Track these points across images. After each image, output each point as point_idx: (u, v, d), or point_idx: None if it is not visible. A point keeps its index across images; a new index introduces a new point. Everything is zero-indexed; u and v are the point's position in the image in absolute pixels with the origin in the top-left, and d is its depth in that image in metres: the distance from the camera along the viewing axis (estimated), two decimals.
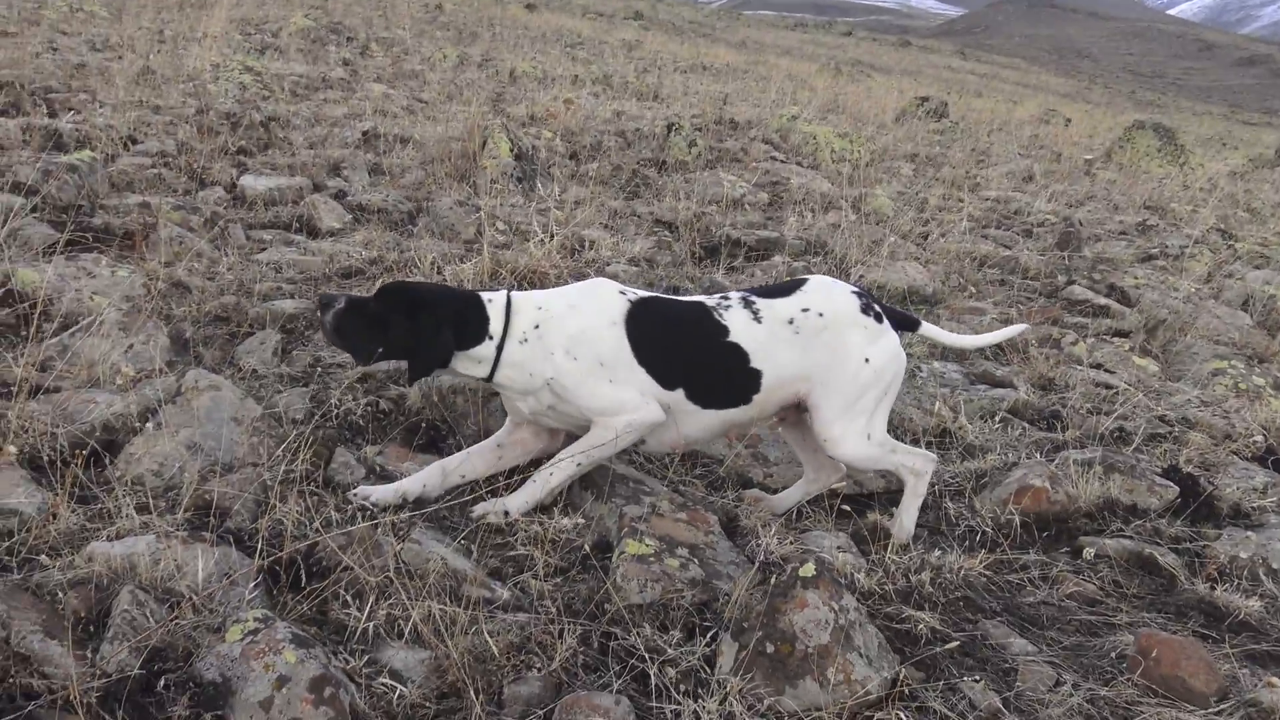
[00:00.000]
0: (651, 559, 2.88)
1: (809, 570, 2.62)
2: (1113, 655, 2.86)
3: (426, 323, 3.10)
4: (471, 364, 3.19)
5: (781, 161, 10.54)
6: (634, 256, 6.05)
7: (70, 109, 7.70)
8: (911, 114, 17.48)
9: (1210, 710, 2.65)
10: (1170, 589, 3.31)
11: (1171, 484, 3.85)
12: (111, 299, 4.21)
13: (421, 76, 14.15)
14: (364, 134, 8.19)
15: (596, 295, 3.28)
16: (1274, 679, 2.79)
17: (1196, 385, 5.44)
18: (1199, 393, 5.29)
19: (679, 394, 3.23)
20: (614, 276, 5.55)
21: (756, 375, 3.26)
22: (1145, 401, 4.92)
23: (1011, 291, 6.89)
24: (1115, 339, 6.05)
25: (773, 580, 2.60)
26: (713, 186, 8.13)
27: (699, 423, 3.32)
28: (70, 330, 3.84)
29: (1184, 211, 11.22)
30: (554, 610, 2.63)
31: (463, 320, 3.14)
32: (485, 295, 3.23)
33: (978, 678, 2.65)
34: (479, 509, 3.19)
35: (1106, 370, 5.49)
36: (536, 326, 3.17)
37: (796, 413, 3.49)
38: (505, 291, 3.26)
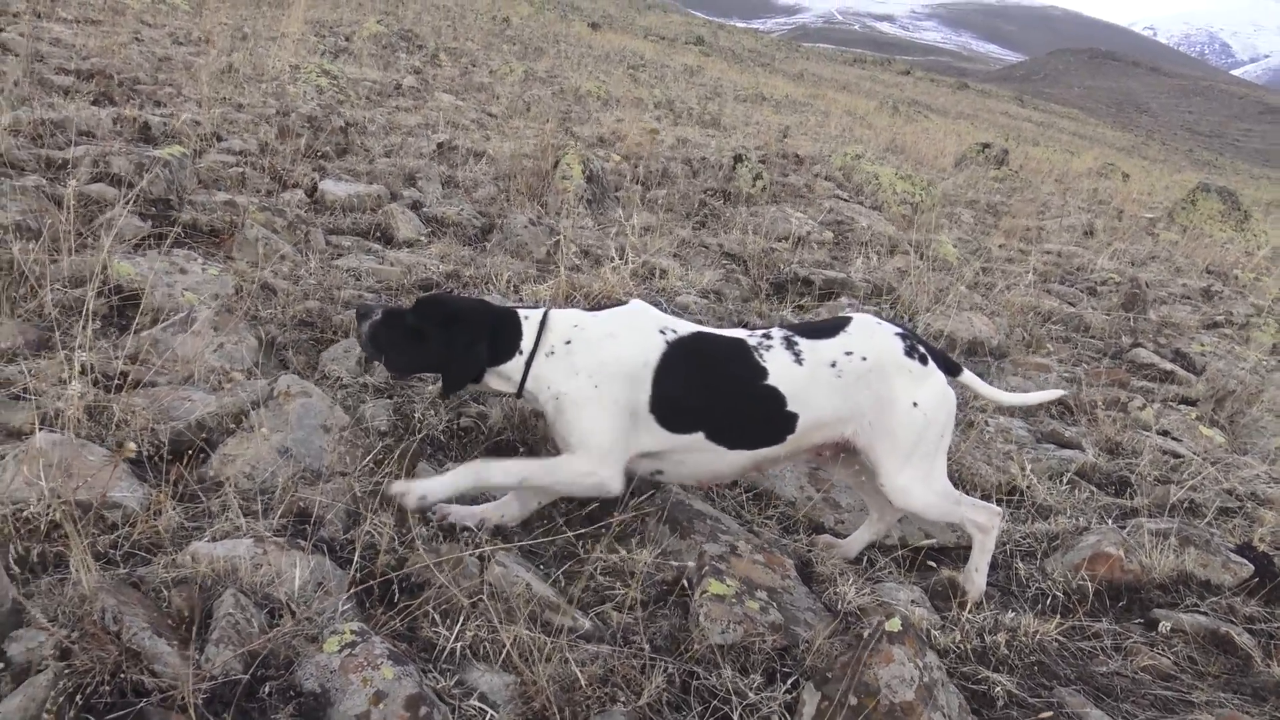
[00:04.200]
0: (733, 600, 2.90)
1: (895, 625, 2.62)
2: None
3: (461, 337, 3.11)
4: (501, 380, 3.19)
5: (845, 200, 10.55)
6: (704, 288, 6.08)
7: (157, 102, 7.88)
8: (972, 159, 17.45)
9: None
10: (1246, 670, 3.28)
11: (1246, 561, 3.81)
12: (202, 296, 4.30)
13: (490, 90, 14.32)
14: (439, 146, 8.30)
15: (637, 330, 3.20)
16: None
17: (1265, 460, 5.37)
18: (1268, 468, 5.22)
19: (698, 435, 3.15)
20: (684, 307, 5.59)
21: (793, 418, 3.19)
22: (1214, 473, 4.87)
23: (1076, 349, 6.85)
24: (1182, 406, 6.00)
25: (865, 632, 2.60)
26: (780, 222, 8.16)
27: (726, 461, 3.25)
28: (162, 325, 3.93)
29: (1248, 279, 11.11)
30: (646, 646, 2.65)
31: (497, 336, 3.14)
32: (523, 312, 3.22)
33: None
34: (398, 485, 3.04)
35: (1174, 438, 5.44)
36: (568, 342, 3.14)
37: (836, 450, 3.41)
38: (544, 309, 3.24)
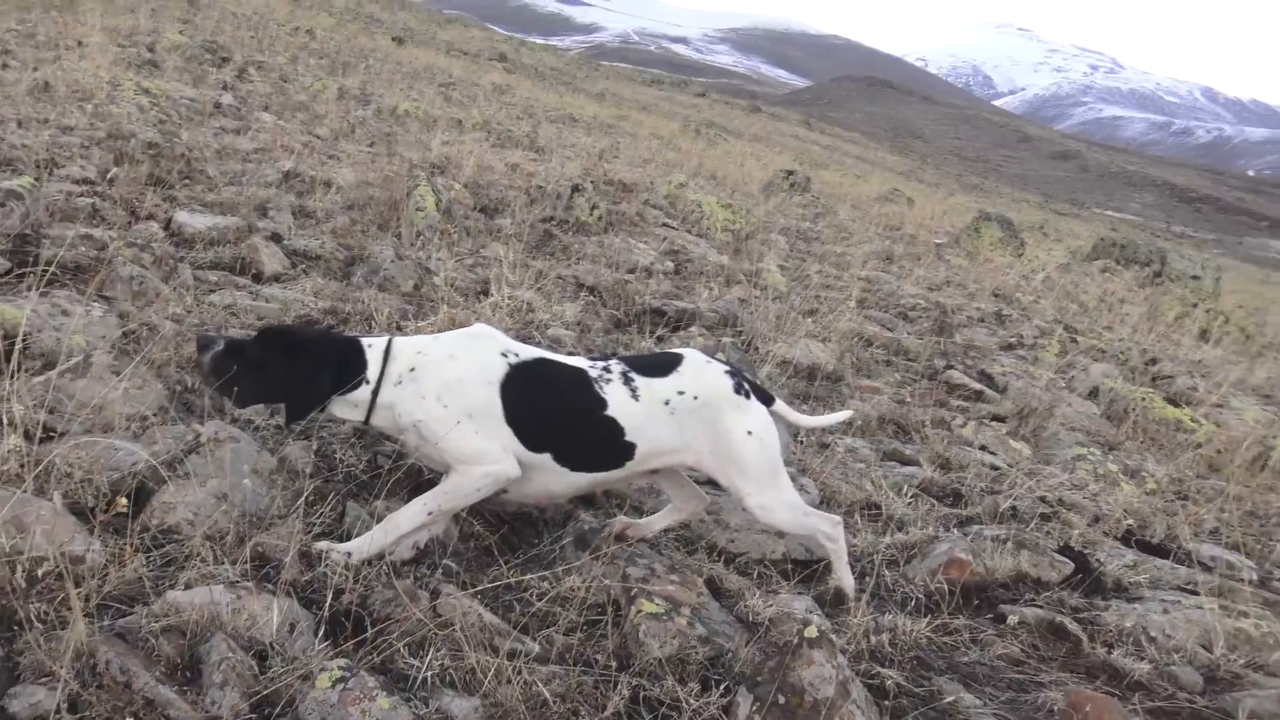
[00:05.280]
0: (664, 617, 3.22)
1: (813, 632, 3.02)
2: (1048, 709, 3.37)
3: (304, 367, 3.26)
4: (348, 408, 3.36)
5: (674, 229, 11.08)
6: (567, 321, 6.38)
7: None
8: (779, 186, 18.45)
9: None
10: (1078, 652, 3.87)
11: (1068, 560, 4.46)
12: (91, 340, 4.25)
13: (310, 109, 14.09)
14: (285, 174, 8.24)
15: (478, 352, 3.42)
16: None
17: (1065, 470, 6.17)
18: (1068, 477, 6.00)
19: (546, 456, 3.42)
20: (556, 340, 5.87)
21: (630, 447, 3.47)
22: (1029, 484, 5.57)
23: (898, 373, 7.56)
24: (994, 423, 6.76)
25: (786, 640, 2.98)
26: (624, 253, 8.56)
27: (567, 481, 3.54)
28: (58, 370, 3.89)
29: (1027, 302, 12.39)
30: (613, 663, 2.93)
31: (340, 365, 3.31)
32: (366, 340, 3.42)
33: None
34: (323, 545, 3.24)
35: (990, 452, 6.15)
36: (412, 369, 3.34)
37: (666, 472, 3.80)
38: (388, 337, 3.45)
